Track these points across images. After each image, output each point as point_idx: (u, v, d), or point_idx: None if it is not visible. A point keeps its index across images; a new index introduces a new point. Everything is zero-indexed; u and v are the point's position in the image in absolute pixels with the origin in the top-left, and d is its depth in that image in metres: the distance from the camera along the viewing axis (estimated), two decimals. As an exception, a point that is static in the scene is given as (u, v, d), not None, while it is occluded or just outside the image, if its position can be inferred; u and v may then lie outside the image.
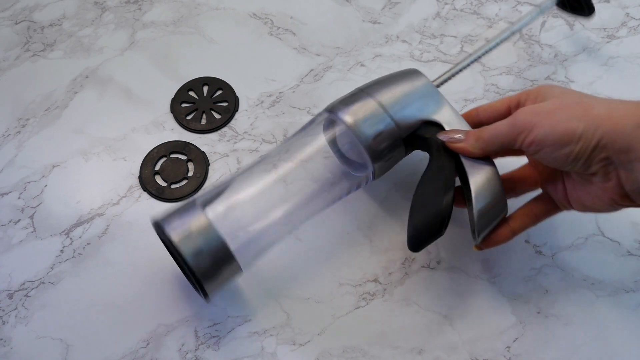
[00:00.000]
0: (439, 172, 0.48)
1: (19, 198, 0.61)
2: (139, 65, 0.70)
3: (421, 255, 0.57)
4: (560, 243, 0.57)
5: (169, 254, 0.53)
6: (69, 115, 0.66)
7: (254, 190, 0.51)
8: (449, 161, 0.48)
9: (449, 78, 0.57)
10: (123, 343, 0.53)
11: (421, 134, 0.50)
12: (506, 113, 0.50)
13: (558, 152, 0.42)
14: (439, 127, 0.51)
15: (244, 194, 0.50)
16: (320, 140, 0.53)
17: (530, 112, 0.44)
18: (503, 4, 0.74)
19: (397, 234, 0.58)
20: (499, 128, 0.45)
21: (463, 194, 0.49)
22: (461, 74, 0.59)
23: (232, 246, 0.47)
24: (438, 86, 0.56)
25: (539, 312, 0.54)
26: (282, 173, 0.51)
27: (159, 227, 0.48)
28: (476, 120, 0.51)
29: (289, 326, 0.54)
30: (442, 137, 0.49)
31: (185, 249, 0.46)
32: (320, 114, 0.53)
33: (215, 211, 0.48)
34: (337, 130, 0.53)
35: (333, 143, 0.53)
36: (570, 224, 0.58)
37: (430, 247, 0.57)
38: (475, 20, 0.72)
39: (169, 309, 0.55)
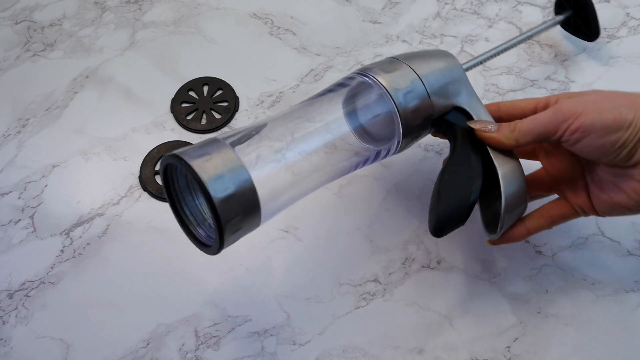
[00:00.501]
0: (467, 160, 0.47)
1: (19, 198, 0.61)
2: (139, 65, 0.70)
3: (421, 255, 0.57)
4: (560, 243, 0.57)
5: (166, 193, 0.48)
6: (69, 115, 0.66)
7: (282, 144, 0.46)
8: (475, 150, 0.48)
9: (476, 65, 0.57)
10: (123, 343, 0.53)
11: (449, 119, 0.50)
12: (531, 112, 0.49)
13: (605, 138, 0.42)
14: (466, 115, 0.50)
15: (273, 146, 0.45)
16: (339, 110, 0.50)
17: (575, 101, 0.44)
18: (503, 4, 0.74)
19: (397, 234, 0.58)
20: (540, 118, 0.45)
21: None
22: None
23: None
24: (466, 70, 0.55)
25: (539, 312, 0.54)
26: (307, 132, 0.48)
27: (179, 159, 0.41)
28: (496, 116, 0.51)
29: (289, 326, 0.54)
30: (473, 125, 0.48)
31: (215, 192, 0.39)
32: (351, 77, 0.50)
33: (245, 155, 0.43)
34: (365, 98, 0.50)
35: (353, 112, 0.50)
36: (571, 224, 0.58)
37: (430, 246, 0.57)
38: (475, 20, 0.72)
39: (169, 308, 0.55)
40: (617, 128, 0.42)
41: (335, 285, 0.56)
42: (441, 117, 0.50)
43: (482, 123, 0.48)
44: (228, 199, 0.40)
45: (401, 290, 0.55)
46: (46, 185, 0.61)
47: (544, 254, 0.57)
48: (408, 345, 0.53)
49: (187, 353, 0.53)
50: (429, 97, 0.49)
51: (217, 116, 0.65)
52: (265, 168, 0.44)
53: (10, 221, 0.59)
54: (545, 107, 0.48)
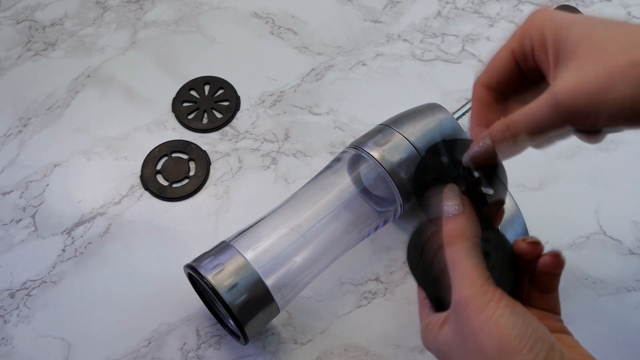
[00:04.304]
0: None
1: (21, 197, 0.61)
2: (141, 64, 0.70)
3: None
4: (561, 242, 0.57)
5: (192, 284, 0.53)
6: (71, 114, 0.66)
7: (284, 233, 0.51)
8: (475, 203, 0.49)
9: (468, 111, 0.57)
10: (125, 342, 0.53)
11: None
12: (515, 70, 0.39)
13: (632, 125, 0.33)
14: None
15: (281, 239, 0.50)
16: (344, 178, 0.53)
17: (579, 93, 0.33)
18: (504, 3, 0.74)
19: (398, 233, 0.58)
20: (538, 116, 0.35)
21: None
22: (461, 73, 0.59)
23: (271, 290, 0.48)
24: (458, 118, 0.56)
25: (540, 311, 0.54)
26: (309, 215, 0.52)
27: (197, 272, 0.47)
28: (495, 96, 0.40)
29: (291, 325, 0.54)
30: (467, 157, 0.39)
31: (232, 300, 0.46)
32: (345, 152, 0.54)
33: (250, 255, 0.48)
34: (365, 167, 0.53)
35: (357, 179, 0.53)
36: (572, 223, 0.58)
37: (432, 246, 0.57)
38: (476, 19, 0.72)
39: (171, 308, 0.55)
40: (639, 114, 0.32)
41: (336, 284, 0.56)
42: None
43: (474, 146, 0.39)
44: (244, 305, 0.46)
45: (402, 289, 0.55)
46: (47, 185, 0.62)
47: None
48: (409, 344, 0.53)
49: (188, 352, 0.53)
50: None
51: (219, 115, 0.65)
52: (276, 262, 0.49)
53: (12, 220, 0.59)
54: (524, 56, 0.38)
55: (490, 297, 0.33)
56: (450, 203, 0.37)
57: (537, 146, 0.39)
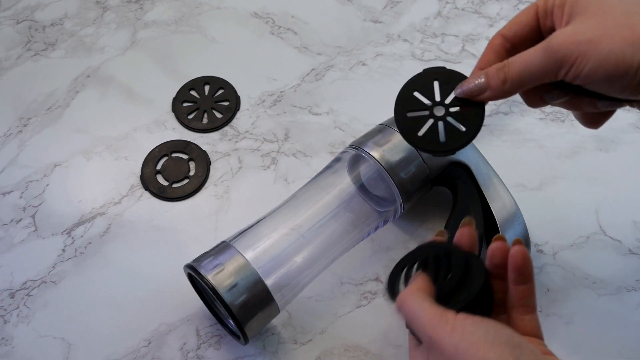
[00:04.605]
0: (468, 214, 0.48)
1: (21, 197, 0.61)
2: (141, 64, 0.70)
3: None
4: (561, 242, 0.57)
5: (191, 283, 0.53)
6: (71, 114, 0.66)
7: (284, 233, 0.51)
8: (475, 204, 0.49)
9: None
10: (125, 342, 0.53)
11: (448, 174, 0.51)
12: (535, 26, 0.41)
13: (612, 85, 0.36)
14: (464, 167, 0.51)
15: (281, 239, 0.50)
16: (344, 178, 0.54)
17: (570, 40, 0.36)
18: (504, 3, 0.74)
19: (398, 233, 0.58)
20: (531, 59, 0.38)
21: None
22: (462, 71, 0.59)
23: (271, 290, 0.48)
24: None
25: (540, 311, 0.54)
26: (309, 215, 0.52)
27: (196, 272, 0.47)
28: (508, 47, 0.41)
29: (291, 325, 0.54)
30: (460, 90, 0.42)
31: (232, 300, 0.46)
32: (345, 152, 0.54)
33: (250, 255, 0.49)
34: (365, 167, 0.53)
35: (357, 179, 0.54)
36: (572, 223, 0.58)
37: (432, 246, 0.57)
38: (476, 19, 0.72)
39: (171, 308, 0.55)
40: (622, 75, 0.35)
41: (336, 284, 0.56)
42: (440, 173, 0.51)
43: (468, 82, 0.41)
44: (244, 305, 0.46)
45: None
46: (47, 185, 0.62)
47: (545, 253, 0.57)
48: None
49: (188, 352, 0.53)
50: (424, 161, 0.51)
51: (219, 115, 0.65)
52: (276, 262, 0.49)
53: (12, 220, 0.59)
54: (546, 16, 0.40)
55: (452, 321, 0.34)
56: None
57: (530, 102, 0.43)
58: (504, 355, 0.32)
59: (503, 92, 0.39)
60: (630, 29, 0.35)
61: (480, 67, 0.41)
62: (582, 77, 0.36)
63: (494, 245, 0.38)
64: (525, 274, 0.38)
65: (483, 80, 0.40)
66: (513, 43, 0.41)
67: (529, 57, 0.38)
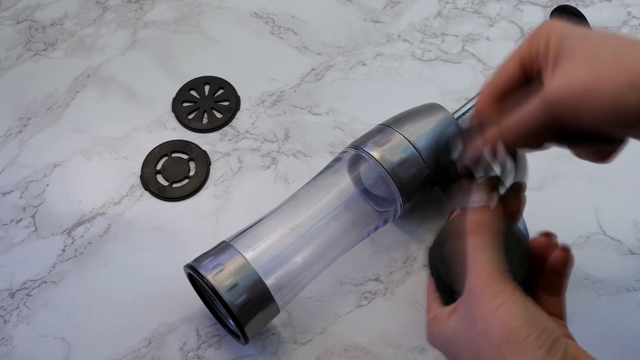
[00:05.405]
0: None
1: (21, 197, 0.61)
2: (141, 64, 0.70)
3: (422, 254, 0.57)
4: (561, 242, 0.57)
5: (190, 282, 0.53)
6: (71, 114, 0.66)
7: (284, 233, 0.51)
8: None
9: (468, 111, 0.57)
10: (125, 342, 0.53)
11: (448, 174, 0.51)
12: (521, 75, 0.39)
13: (614, 130, 0.34)
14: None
15: (282, 238, 0.50)
16: (345, 178, 0.54)
17: (566, 88, 0.34)
18: (504, 3, 0.74)
19: (398, 233, 0.58)
20: (527, 117, 0.36)
21: None
22: (461, 73, 0.59)
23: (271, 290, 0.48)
24: (458, 118, 0.56)
25: (540, 311, 0.54)
26: (309, 215, 0.52)
27: (197, 272, 0.47)
28: (498, 98, 0.40)
29: (291, 325, 0.54)
30: (466, 159, 0.40)
31: (232, 300, 0.46)
32: (345, 152, 0.54)
33: (250, 255, 0.49)
34: (365, 167, 0.53)
35: (357, 179, 0.54)
36: (572, 223, 0.58)
37: (432, 246, 0.57)
38: (476, 19, 0.72)
39: (171, 308, 0.55)
40: (625, 118, 0.33)
41: (336, 284, 0.56)
42: (440, 173, 0.51)
43: (468, 153, 0.40)
44: (244, 305, 0.46)
45: (402, 289, 0.55)
46: (47, 185, 0.62)
47: (546, 253, 0.57)
48: (409, 344, 0.53)
49: (188, 352, 0.53)
50: (424, 161, 0.50)
51: (219, 115, 0.65)
52: (276, 262, 0.49)
53: (12, 220, 0.59)
54: (531, 67, 0.38)
55: (504, 287, 0.34)
56: (478, 196, 0.39)
57: (530, 148, 0.40)
58: (532, 336, 0.33)
59: (503, 151, 0.38)
60: (625, 71, 0.33)
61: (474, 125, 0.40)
62: (584, 128, 0.35)
63: (541, 240, 0.39)
64: (565, 273, 0.39)
65: (479, 147, 0.39)
66: (502, 97, 0.39)
67: (526, 114, 0.36)
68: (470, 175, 0.41)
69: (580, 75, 0.34)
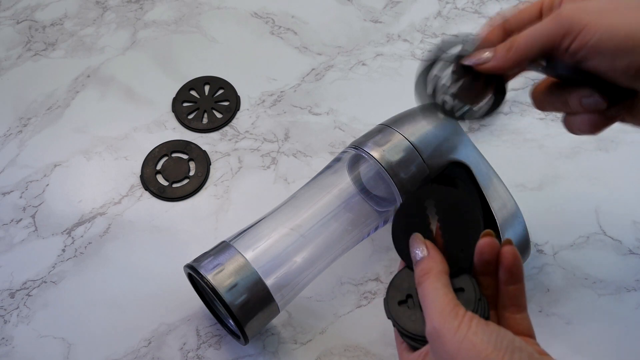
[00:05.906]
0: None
1: (21, 197, 0.61)
2: (141, 64, 0.70)
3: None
4: (561, 242, 0.57)
5: (191, 283, 0.53)
6: (71, 114, 0.66)
7: (284, 233, 0.51)
8: (475, 203, 0.49)
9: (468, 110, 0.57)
10: (125, 342, 0.53)
11: (448, 174, 0.51)
12: (538, 20, 0.40)
13: (617, 61, 0.35)
14: (464, 167, 0.51)
15: (282, 238, 0.51)
16: (344, 178, 0.54)
17: (579, 9, 0.36)
18: (505, 3, 0.74)
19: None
20: (538, 29, 0.37)
21: None
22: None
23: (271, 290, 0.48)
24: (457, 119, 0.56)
25: (540, 311, 0.54)
26: (309, 215, 0.52)
27: (197, 272, 0.47)
28: (505, 37, 0.41)
29: (291, 325, 0.54)
30: (468, 62, 0.41)
31: (232, 300, 0.46)
32: (345, 152, 0.54)
33: (250, 255, 0.49)
34: (365, 167, 0.53)
35: (357, 179, 0.54)
36: (572, 223, 0.58)
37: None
38: (476, 20, 0.72)
39: (171, 308, 0.55)
40: (630, 50, 0.34)
41: (336, 284, 0.56)
42: (440, 173, 0.51)
43: (476, 55, 0.41)
44: (244, 305, 0.46)
45: (402, 289, 0.55)
46: (47, 185, 0.62)
47: (545, 252, 0.57)
48: (409, 344, 0.53)
49: (188, 352, 0.53)
50: (424, 161, 0.51)
51: (219, 115, 0.65)
52: (276, 262, 0.49)
53: (12, 220, 0.59)
54: (550, 10, 0.39)
55: (460, 318, 0.34)
56: (417, 249, 0.40)
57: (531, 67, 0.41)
58: (505, 358, 0.33)
59: (506, 60, 0.39)
60: (638, 9, 0.35)
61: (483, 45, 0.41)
62: (587, 47, 0.35)
63: (483, 241, 0.38)
64: (516, 273, 0.38)
65: (489, 54, 0.40)
66: (514, 30, 0.40)
67: (536, 27, 0.37)
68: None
69: (599, 2, 0.36)
